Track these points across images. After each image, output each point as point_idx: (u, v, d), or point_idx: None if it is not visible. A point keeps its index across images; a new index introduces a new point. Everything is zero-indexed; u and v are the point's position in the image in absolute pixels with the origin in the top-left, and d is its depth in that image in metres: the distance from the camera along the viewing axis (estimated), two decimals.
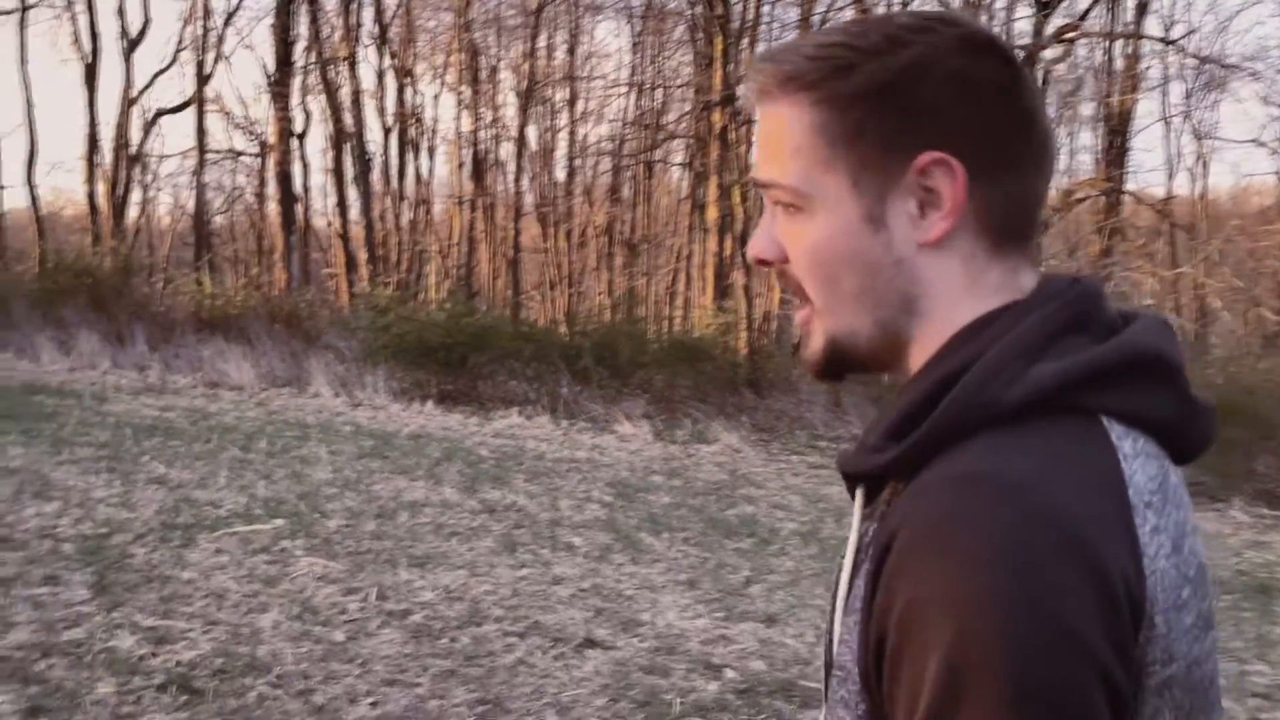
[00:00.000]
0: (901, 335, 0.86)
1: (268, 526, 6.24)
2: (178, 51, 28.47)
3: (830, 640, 0.86)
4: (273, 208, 31.64)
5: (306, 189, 25.46)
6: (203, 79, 23.89)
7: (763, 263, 0.91)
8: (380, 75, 21.70)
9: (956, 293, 0.84)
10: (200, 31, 24.00)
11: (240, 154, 29.48)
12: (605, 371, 13.11)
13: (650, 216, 28.63)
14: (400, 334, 13.12)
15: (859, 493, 0.88)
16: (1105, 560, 0.70)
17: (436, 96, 37.68)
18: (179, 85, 76.79)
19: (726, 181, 16.17)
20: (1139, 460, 0.76)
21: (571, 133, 27.87)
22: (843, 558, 0.86)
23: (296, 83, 20.95)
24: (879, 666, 0.75)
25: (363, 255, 20.19)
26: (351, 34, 19.56)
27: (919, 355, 0.85)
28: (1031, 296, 0.83)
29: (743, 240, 17.29)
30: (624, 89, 26.74)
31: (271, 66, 21.35)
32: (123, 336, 14.66)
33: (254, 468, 7.90)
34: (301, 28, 21.30)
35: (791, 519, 7.83)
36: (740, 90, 0.94)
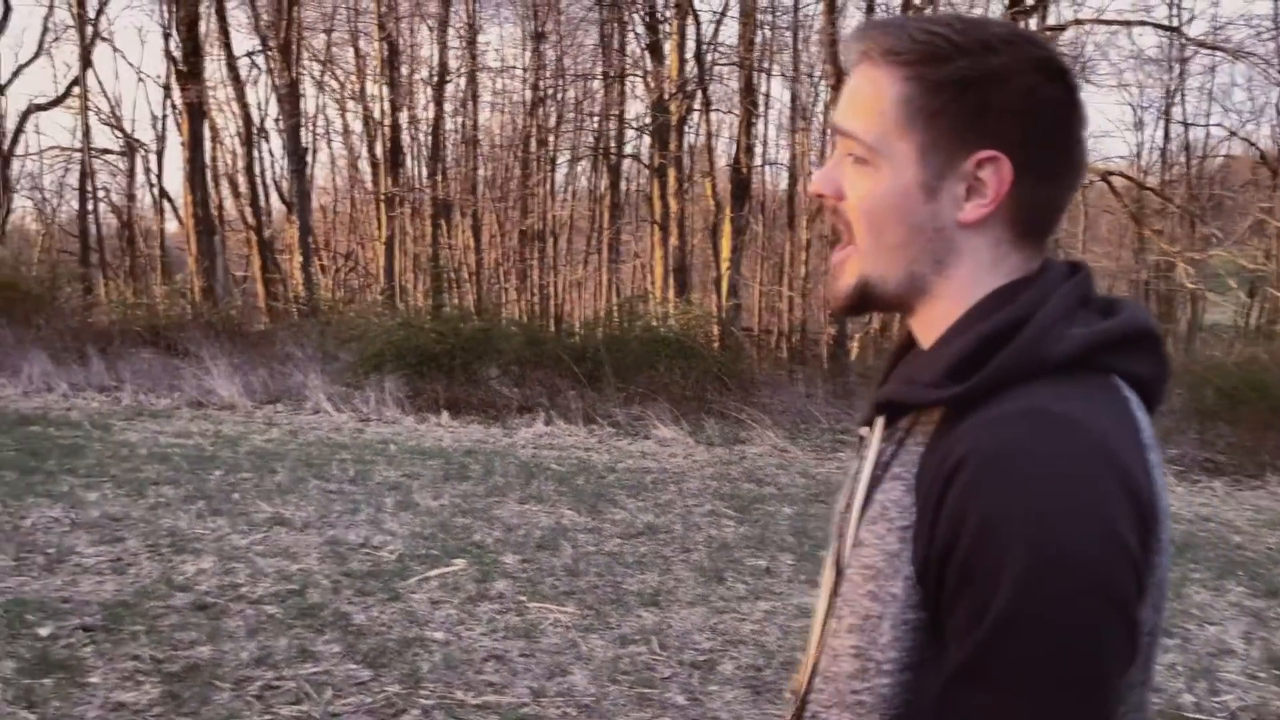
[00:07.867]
0: (925, 289, 0.99)
1: (454, 569, 5.60)
2: (43, 43, 26.53)
3: (842, 545, 1.00)
4: (150, 208, 29.69)
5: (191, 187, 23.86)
6: (85, 66, 22.17)
7: (820, 197, 1.02)
8: (285, 69, 20.40)
9: (981, 267, 0.97)
10: (76, 21, 22.28)
11: (113, 152, 27.65)
12: (611, 372, 12.59)
13: (553, 209, 27.92)
14: (396, 341, 12.32)
15: (879, 420, 1.02)
16: (1138, 484, 0.85)
17: (320, 88, 36.17)
18: (40, 81, 74.21)
19: (697, 174, 15.76)
20: (1140, 411, 0.92)
21: (474, 125, 27.06)
22: (860, 474, 1.01)
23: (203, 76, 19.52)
24: (941, 568, 0.87)
25: (297, 259, 18.94)
26: (290, 24, 18.28)
27: (937, 308, 0.99)
28: (1047, 275, 0.97)
29: (713, 233, 16.97)
30: (523, 78, 25.99)
31: (152, 61, 19.92)
32: (66, 354, 13.35)
33: (354, 499, 7.16)
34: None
35: None
36: (843, 50, 1.02)
